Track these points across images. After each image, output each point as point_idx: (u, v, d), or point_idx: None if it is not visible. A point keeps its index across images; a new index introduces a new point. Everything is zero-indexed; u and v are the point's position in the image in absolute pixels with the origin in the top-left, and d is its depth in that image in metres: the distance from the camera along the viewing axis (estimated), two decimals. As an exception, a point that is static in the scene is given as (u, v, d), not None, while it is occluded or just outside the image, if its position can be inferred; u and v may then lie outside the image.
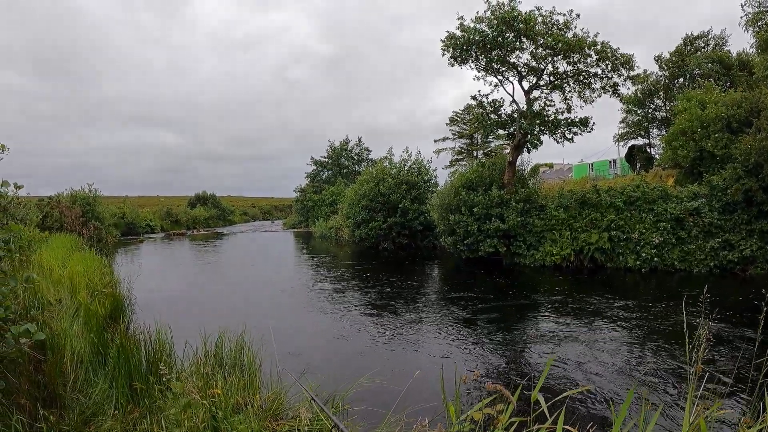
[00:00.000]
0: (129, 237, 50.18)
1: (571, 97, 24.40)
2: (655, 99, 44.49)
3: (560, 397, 3.40)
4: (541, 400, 2.93)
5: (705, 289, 3.52)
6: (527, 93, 24.49)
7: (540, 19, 22.22)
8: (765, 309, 3.18)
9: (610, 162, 50.03)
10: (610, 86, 23.39)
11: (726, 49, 41.31)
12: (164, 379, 5.01)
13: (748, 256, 18.94)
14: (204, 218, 75.71)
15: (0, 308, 4.26)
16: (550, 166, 64.61)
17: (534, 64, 23.45)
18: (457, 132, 65.84)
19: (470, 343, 11.06)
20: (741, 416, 3.20)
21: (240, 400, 5.16)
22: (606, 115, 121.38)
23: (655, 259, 20.41)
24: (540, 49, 22.46)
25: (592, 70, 22.89)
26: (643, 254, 20.61)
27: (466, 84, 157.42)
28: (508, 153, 25.79)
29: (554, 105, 24.74)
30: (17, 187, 5.31)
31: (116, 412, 5.18)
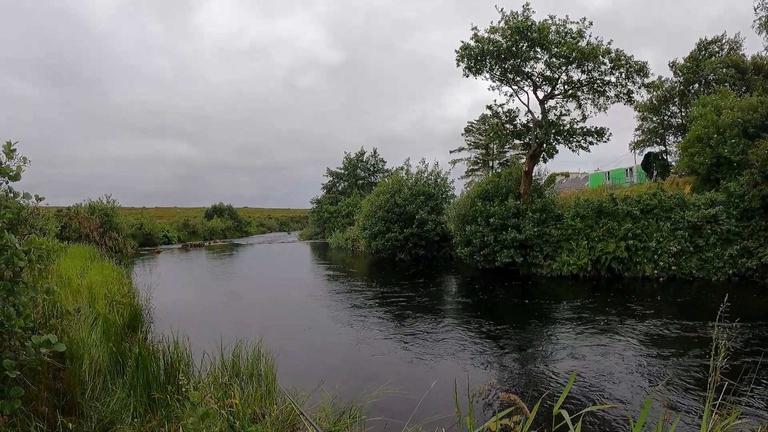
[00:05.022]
0: (146, 248, 50.68)
1: (586, 104, 24.37)
2: (671, 105, 44.03)
3: (582, 412, 3.36)
4: (565, 414, 2.91)
5: (725, 299, 3.47)
6: (542, 102, 24.46)
7: (553, 28, 22.24)
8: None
9: (627, 170, 49.61)
10: (624, 94, 23.29)
11: (741, 53, 40.85)
12: (183, 389, 5.04)
13: (767, 264, 18.64)
14: (220, 229, 76.24)
15: (20, 318, 4.32)
16: (567, 175, 64.15)
17: (548, 73, 23.47)
18: (473, 142, 65.86)
19: (487, 353, 10.99)
20: (758, 426, 3.16)
21: (257, 411, 5.18)
22: (622, 122, 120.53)
23: (673, 267, 20.15)
24: (554, 59, 22.45)
25: (607, 78, 22.82)
26: (661, 263, 20.35)
27: (479, 91, 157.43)
28: (524, 163, 25.70)
29: (569, 114, 24.71)
30: (38, 198, 5.38)
31: (134, 420, 5.21)
